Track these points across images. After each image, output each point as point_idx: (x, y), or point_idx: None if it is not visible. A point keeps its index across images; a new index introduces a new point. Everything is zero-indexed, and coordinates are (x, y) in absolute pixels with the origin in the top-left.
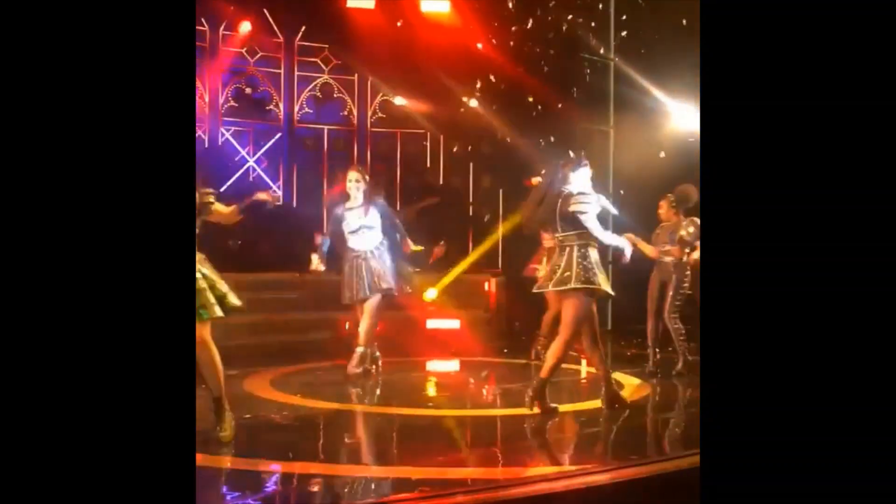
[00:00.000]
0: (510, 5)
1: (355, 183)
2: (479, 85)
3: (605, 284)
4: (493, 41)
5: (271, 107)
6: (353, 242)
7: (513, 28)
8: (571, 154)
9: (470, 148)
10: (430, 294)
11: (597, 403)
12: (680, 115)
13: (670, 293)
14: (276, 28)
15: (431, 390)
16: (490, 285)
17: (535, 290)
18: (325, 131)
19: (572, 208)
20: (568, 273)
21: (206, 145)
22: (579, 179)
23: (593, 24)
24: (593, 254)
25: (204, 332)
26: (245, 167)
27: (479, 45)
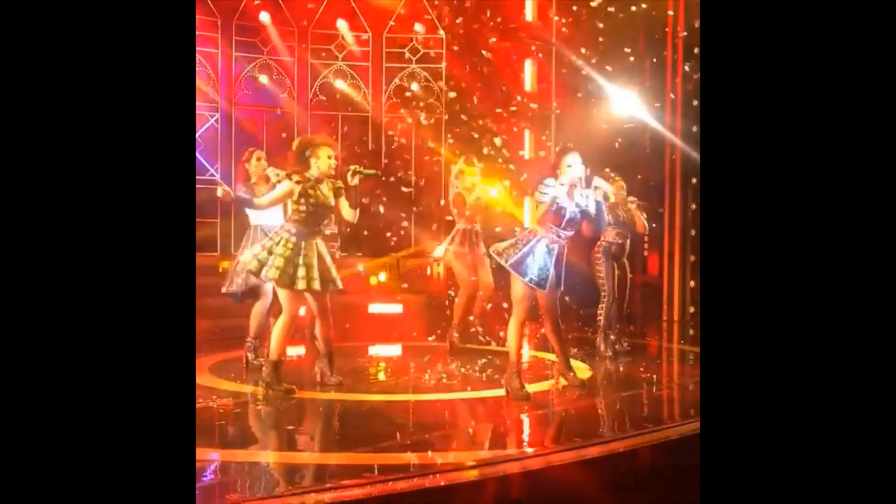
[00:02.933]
0: None
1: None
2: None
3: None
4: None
5: (208, 88)
6: None
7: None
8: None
9: (413, 131)
10: (381, 277)
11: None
12: (619, 100)
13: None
14: (212, 7)
15: (373, 375)
16: (433, 269)
17: None
18: (264, 114)
19: None
20: None
21: None
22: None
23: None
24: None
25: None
26: None
27: (421, 28)
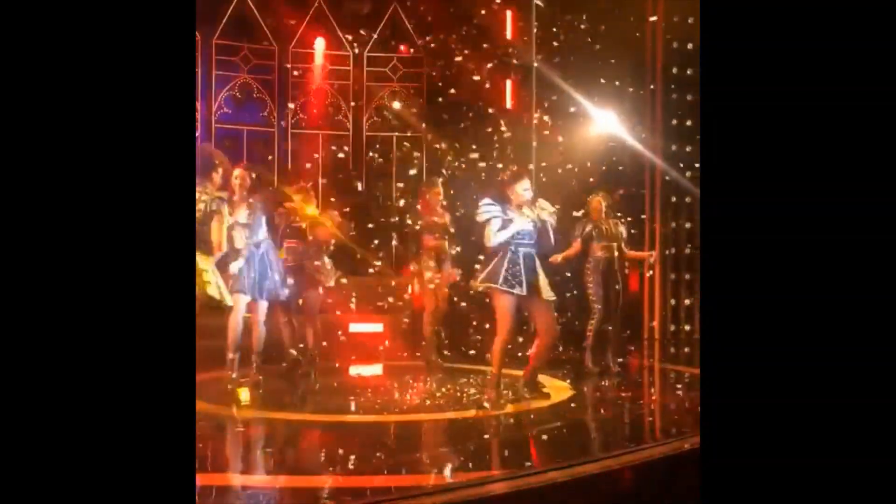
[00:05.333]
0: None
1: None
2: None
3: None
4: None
5: None
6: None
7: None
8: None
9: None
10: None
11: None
12: (600, 120)
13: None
14: None
15: (354, 395)
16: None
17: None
18: (245, 132)
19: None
20: None
21: None
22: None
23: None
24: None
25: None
26: None
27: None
